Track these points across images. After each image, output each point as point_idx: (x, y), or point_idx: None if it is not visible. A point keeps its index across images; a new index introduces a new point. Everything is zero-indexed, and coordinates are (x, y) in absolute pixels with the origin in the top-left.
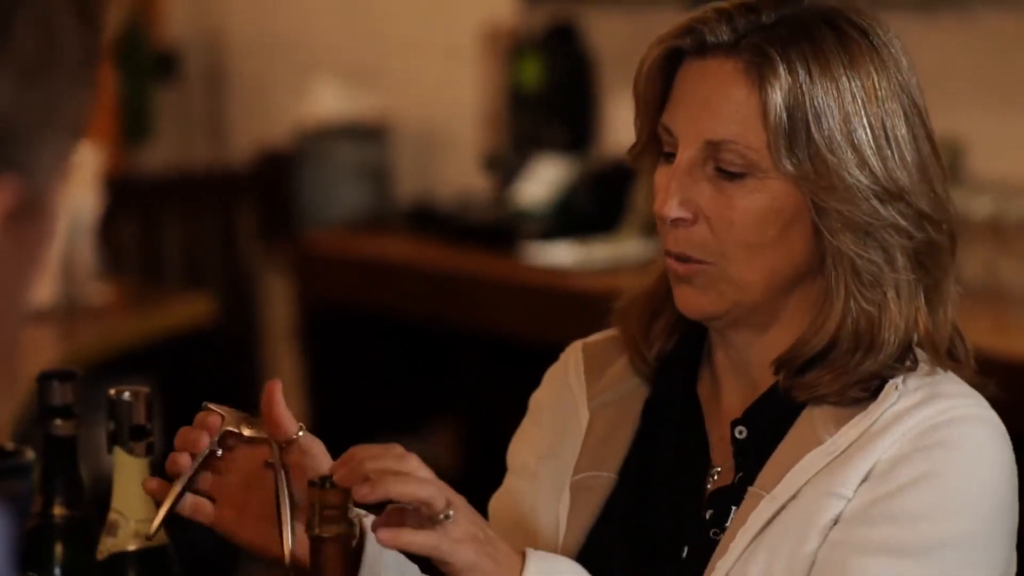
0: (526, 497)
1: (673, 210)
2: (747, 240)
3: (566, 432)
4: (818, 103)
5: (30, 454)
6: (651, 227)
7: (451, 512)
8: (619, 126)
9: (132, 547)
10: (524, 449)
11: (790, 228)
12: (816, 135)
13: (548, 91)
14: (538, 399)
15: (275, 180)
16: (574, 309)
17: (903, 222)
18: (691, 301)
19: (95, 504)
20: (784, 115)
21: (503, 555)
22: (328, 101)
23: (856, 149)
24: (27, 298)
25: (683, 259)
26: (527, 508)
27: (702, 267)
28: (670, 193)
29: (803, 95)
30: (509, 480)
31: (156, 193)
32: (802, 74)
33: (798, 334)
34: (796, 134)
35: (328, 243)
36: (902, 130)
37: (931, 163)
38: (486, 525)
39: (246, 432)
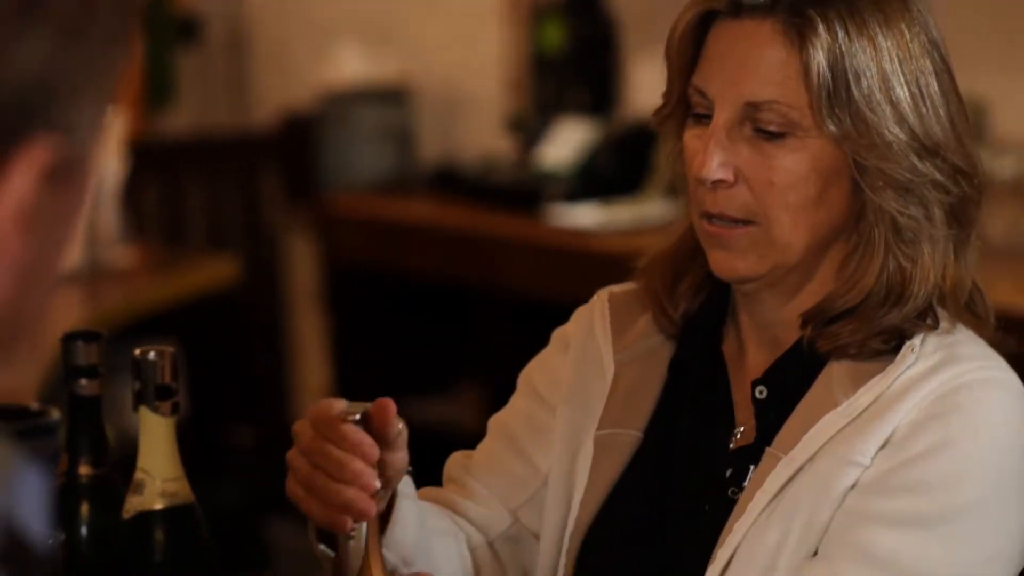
0: (537, 424)
1: (713, 172)
2: (789, 201)
3: (590, 381)
4: (857, 62)
5: (55, 414)
6: (674, 189)
7: None
8: (642, 88)
9: (158, 506)
10: (545, 377)
11: (830, 187)
12: (856, 94)
13: (570, 54)
14: (564, 334)
15: (298, 143)
16: (597, 270)
17: (940, 177)
18: (728, 265)
19: (119, 465)
20: (827, 75)
21: None
22: (350, 64)
23: (895, 106)
24: (62, 259)
25: (723, 221)
26: (530, 435)
27: (743, 229)
28: (709, 155)
29: (842, 54)
30: (518, 401)
31: (179, 157)
32: (840, 34)
33: (827, 291)
34: (837, 93)
35: (351, 205)
36: (934, 87)
37: (960, 119)
38: None
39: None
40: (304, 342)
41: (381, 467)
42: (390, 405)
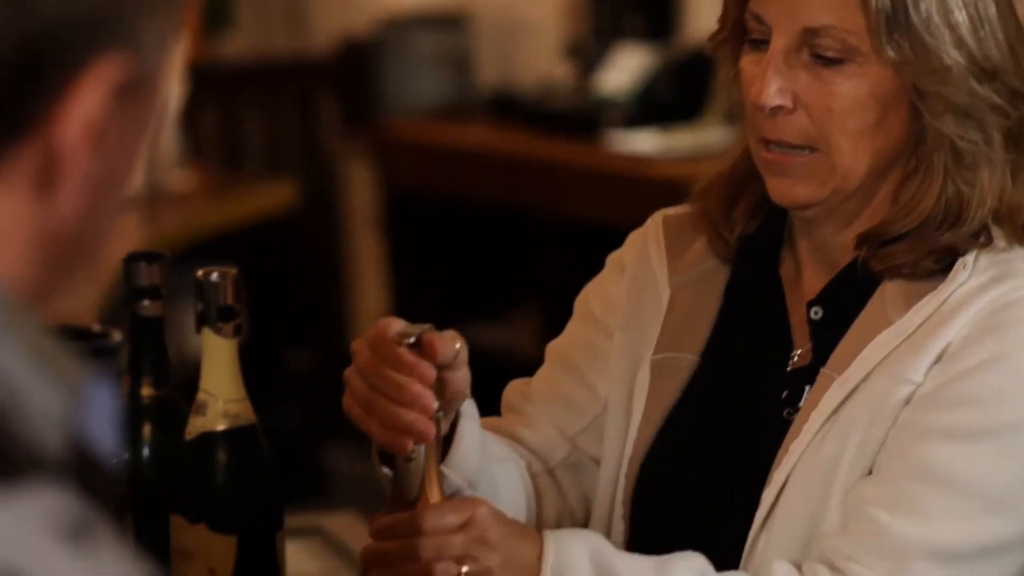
0: (594, 349)
1: (772, 98)
2: (848, 127)
3: (645, 305)
4: None
5: (117, 336)
6: (732, 116)
7: (465, 570)
8: (701, 14)
9: (221, 427)
10: (601, 301)
11: (888, 113)
12: (915, 18)
13: None
14: (619, 258)
15: (356, 69)
16: (655, 196)
17: (999, 100)
18: (788, 191)
19: (181, 387)
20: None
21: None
22: None
23: (953, 30)
24: (131, 178)
25: (782, 147)
26: (588, 360)
27: (803, 156)
28: (767, 81)
29: None
30: (575, 326)
31: (237, 81)
32: None
33: (884, 215)
34: (896, 18)
35: (409, 131)
36: (992, 10)
37: (1018, 42)
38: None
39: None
40: (361, 267)
41: (441, 387)
42: (435, 340)
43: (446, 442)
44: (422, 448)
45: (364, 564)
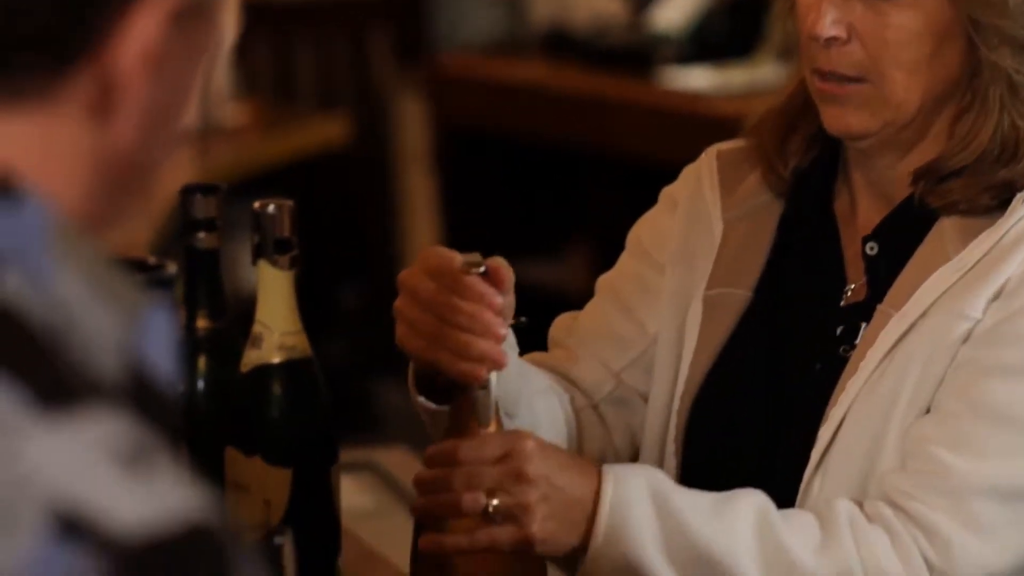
0: (644, 283)
1: (827, 29)
2: (902, 59)
3: (698, 240)
4: None
5: (172, 268)
6: (786, 53)
7: (495, 503)
8: None
9: (276, 359)
10: (653, 236)
11: (944, 45)
12: None
13: None
14: (672, 193)
15: (409, 3)
16: (708, 133)
17: None
18: (841, 121)
19: (236, 322)
20: None
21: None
22: None
23: None
24: (188, 105)
25: (836, 78)
26: (637, 295)
27: (857, 87)
28: (822, 12)
29: None
30: (626, 260)
31: (290, 15)
32: None
33: (941, 150)
34: None
35: (462, 66)
36: None
37: None
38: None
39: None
40: (413, 203)
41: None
42: (502, 269)
43: None
44: (493, 376)
45: (416, 490)
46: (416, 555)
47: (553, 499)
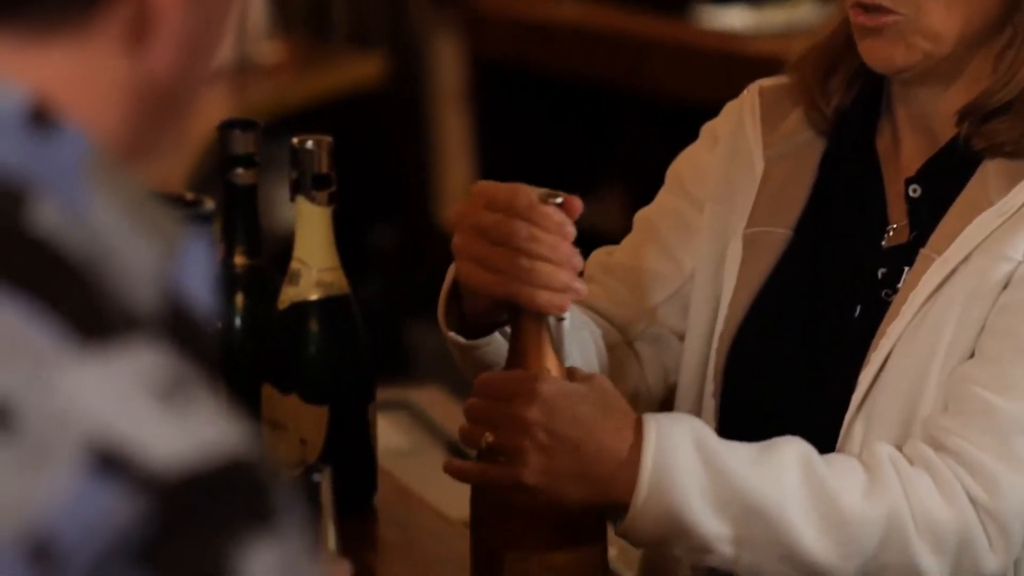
0: (682, 220)
1: None
2: None
3: (738, 177)
4: None
5: (210, 204)
6: None
7: (489, 439)
8: None
9: (314, 296)
10: (692, 172)
11: None
12: None
13: None
14: (713, 128)
15: None
16: (745, 73)
17: None
18: (879, 53)
19: (274, 260)
20: None
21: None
22: None
23: None
24: (224, 36)
25: (874, 10)
26: (674, 231)
27: (894, 18)
28: None
29: None
30: (664, 196)
31: None
32: None
33: (983, 87)
34: None
35: (498, 4)
36: None
37: None
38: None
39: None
40: (448, 141)
41: None
42: (575, 200)
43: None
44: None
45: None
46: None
47: (557, 452)
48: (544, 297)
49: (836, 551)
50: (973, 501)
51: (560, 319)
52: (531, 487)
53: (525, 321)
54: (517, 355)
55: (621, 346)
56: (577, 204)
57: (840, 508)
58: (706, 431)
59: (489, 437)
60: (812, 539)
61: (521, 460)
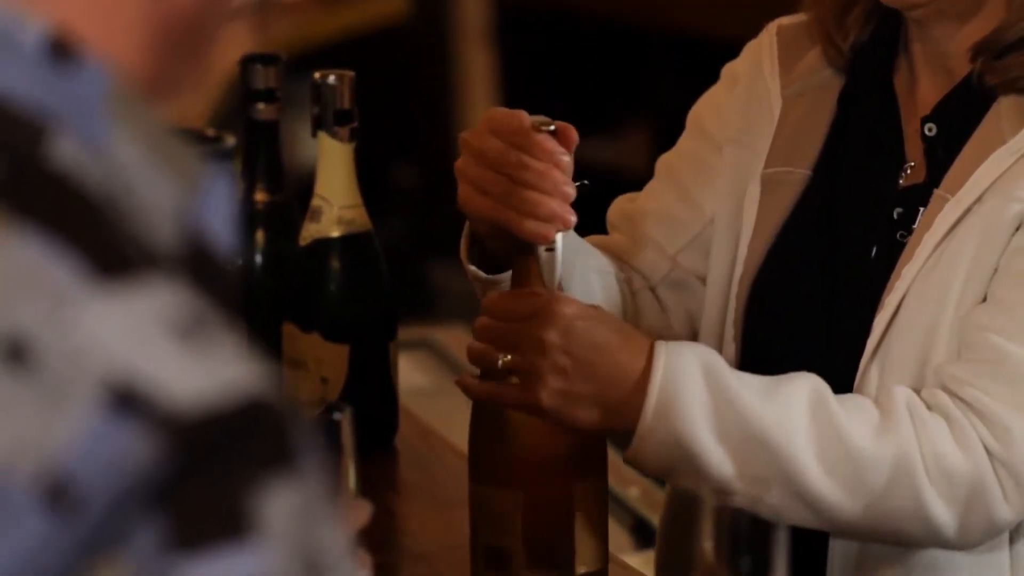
0: (702, 163)
1: None
2: None
3: (757, 118)
4: None
5: (231, 140)
6: None
7: (504, 359)
8: None
9: (335, 233)
10: (712, 114)
11: None
12: None
13: None
14: (733, 69)
15: None
16: (769, 10)
17: None
18: None
19: (296, 197)
20: None
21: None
22: None
23: None
24: None
25: None
26: (694, 175)
27: None
28: None
29: None
30: (685, 141)
31: None
32: None
33: (999, 22)
34: None
35: None
36: None
37: None
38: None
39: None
40: (472, 79)
41: None
42: (570, 130)
43: None
44: (559, 237)
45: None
46: (479, 411)
47: (573, 374)
48: (529, 225)
49: (842, 489)
50: (988, 450)
51: (549, 249)
52: (545, 409)
53: (518, 249)
54: (516, 283)
55: (645, 292)
56: (571, 133)
57: (848, 446)
58: (716, 359)
59: (506, 357)
60: (817, 475)
61: (538, 382)
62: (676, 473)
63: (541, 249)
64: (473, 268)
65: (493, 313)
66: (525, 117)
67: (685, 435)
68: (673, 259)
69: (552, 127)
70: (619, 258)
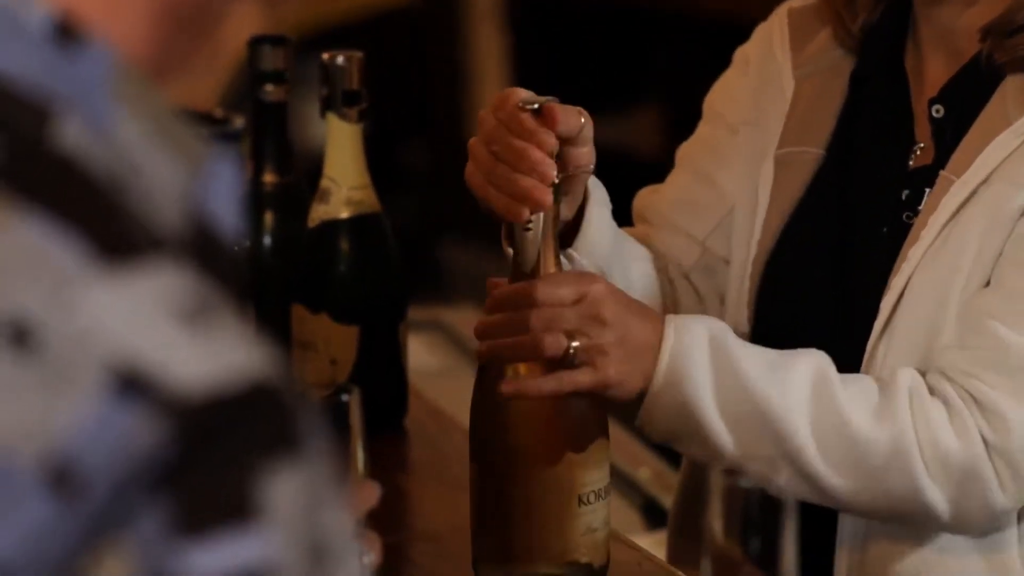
0: (720, 148)
1: None
2: None
3: (770, 99)
4: None
5: (239, 121)
6: None
7: (575, 344)
8: None
9: (344, 214)
10: (726, 99)
11: None
12: None
13: None
14: (745, 52)
15: None
16: None
17: None
18: None
19: (305, 178)
20: None
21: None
22: None
23: None
24: None
25: None
26: (713, 160)
27: None
28: None
29: None
30: (702, 127)
31: None
32: None
33: (1007, 3)
34: None
35: None
36: None
37: None
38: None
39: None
40: (482, 59)
41: (563, 160)
42: (556, 108)
43: (574, 226)
44: (540, 217)
45: (477, 336)
46: (480, 403)
47: (626, 343)
48: (502, 203)
49: (837, 467)
50: (984, 440)
51: (527, 228)
52: (616, 383)
53: (507, 229)
54: (514, 261)
55: (680, 279)
56: (556, 114)
57: (847, 426)
58: (725, 331)
59: (576, 343)
60: (814, 452)
61: (607, 358)
62: (682, 440)
63: (519, 228)
64: (510, 248)
65: (541, 302)
66: (516, 95)
67: (690, 404)
68: (703, 244)
69: (536, 106)
70: (650, 247)
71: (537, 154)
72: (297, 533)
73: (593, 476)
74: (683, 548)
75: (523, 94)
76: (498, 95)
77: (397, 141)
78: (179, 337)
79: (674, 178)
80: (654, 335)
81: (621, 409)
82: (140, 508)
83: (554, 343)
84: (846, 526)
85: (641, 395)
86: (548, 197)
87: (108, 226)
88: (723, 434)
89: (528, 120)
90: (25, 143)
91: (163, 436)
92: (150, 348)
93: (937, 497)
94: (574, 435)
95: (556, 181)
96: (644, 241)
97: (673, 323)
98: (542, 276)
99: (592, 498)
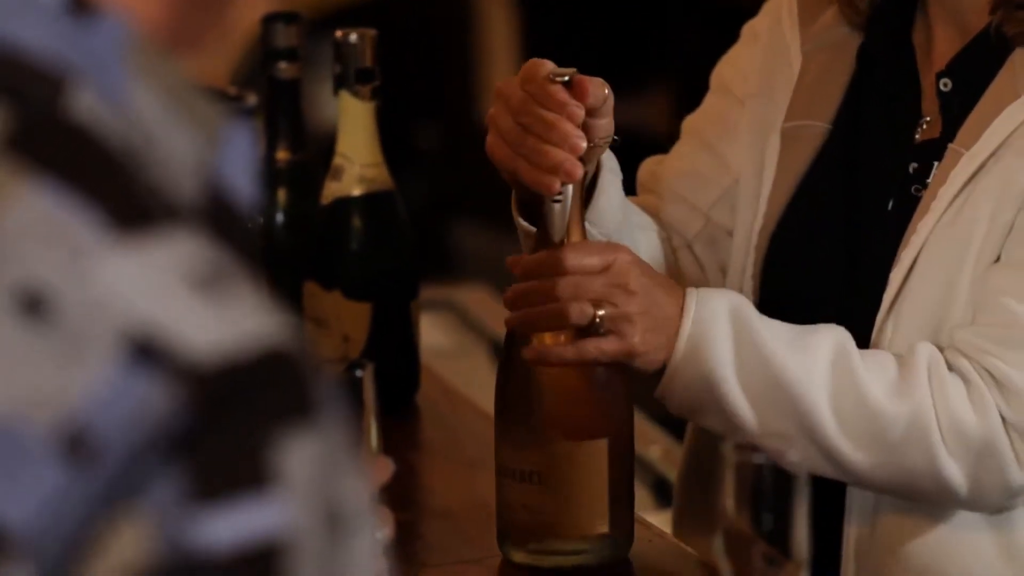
0: (726, 120)
1: None
2: None
3: (777, 72)
4: None
5: (252, 99)
6: None
7: (601, 313)
8: None
9: (357, 192)
10: (734, 72)
11: None
12: None
13: None
14: (754, 26)
15: None
16: None
17: None
18: None
19: (318, 156)
20: None
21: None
22: None
23: None
24: None
25: None
26: (719, 132)
27: None
28: None
29: None
30: (709, 99)
31: None
32: None
33: None
34: None
35: None
36: None
37: None
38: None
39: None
40: (494, 38)
41: (588, 132)
42: (586, 80)
43: (587, 194)
44: (569, 188)
45: (507, 306)
46: (506, 371)
47: (651, 313)
48: (532, 175)
49: (856, 442)
50: (1002, 417)
51: (556, 200)
52: (642, 353)
53: (534, 201)
54: (540, 232)
55: (683, 249)
56: (585, 86)
57: (866, 401)
58: (746, 304)
59: (602, 311)
60: (834, 427)
61: (633, 327)
62: (702, 412)
63: (548, 200)
64: (520, 221)
65: (568, 270)
66: (544, 67)
67: (710, 376)
68: (706, 215)
69: (567, 78)
70: (654, 216)
71: (568, 125)
72: (313, 500)
73: (619, 449)
74: (688, 523)
75: (550, 66)
76: (524, 67)
77: (409, 119)
78: (194, 305)
79: (679, 149)
80: (676, 306)
81: (635, 386)
82: (155, 475)
83: (580, 311)
84: (855, 500)
85: (661, 368)
86: (579, 169)
87: (123, 195)
88: (743, 406)
89: (559, 91)
90: (40, 113)
91: (178, 403)
92: (165, 316)
93: (955, 472)
94: (601, 408)
95: (584, 152)
96: (648, 211)
97: (695, 295)
98: (569, 245)
99: (617, 471)
